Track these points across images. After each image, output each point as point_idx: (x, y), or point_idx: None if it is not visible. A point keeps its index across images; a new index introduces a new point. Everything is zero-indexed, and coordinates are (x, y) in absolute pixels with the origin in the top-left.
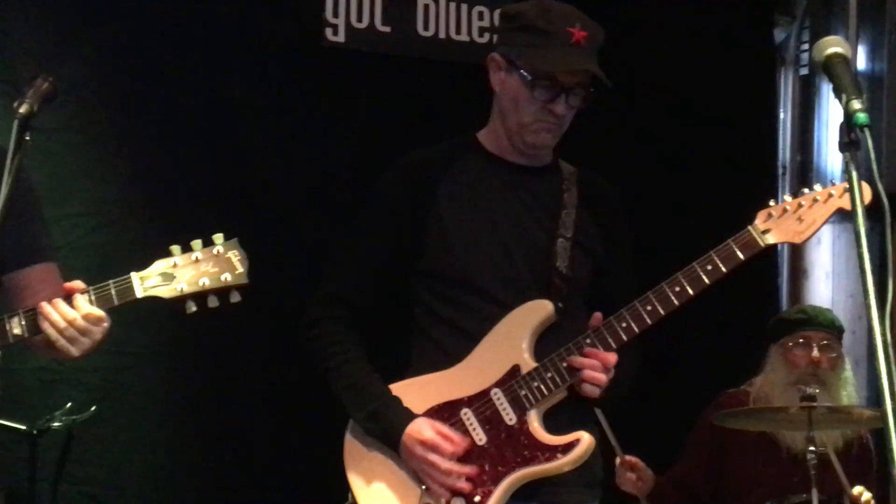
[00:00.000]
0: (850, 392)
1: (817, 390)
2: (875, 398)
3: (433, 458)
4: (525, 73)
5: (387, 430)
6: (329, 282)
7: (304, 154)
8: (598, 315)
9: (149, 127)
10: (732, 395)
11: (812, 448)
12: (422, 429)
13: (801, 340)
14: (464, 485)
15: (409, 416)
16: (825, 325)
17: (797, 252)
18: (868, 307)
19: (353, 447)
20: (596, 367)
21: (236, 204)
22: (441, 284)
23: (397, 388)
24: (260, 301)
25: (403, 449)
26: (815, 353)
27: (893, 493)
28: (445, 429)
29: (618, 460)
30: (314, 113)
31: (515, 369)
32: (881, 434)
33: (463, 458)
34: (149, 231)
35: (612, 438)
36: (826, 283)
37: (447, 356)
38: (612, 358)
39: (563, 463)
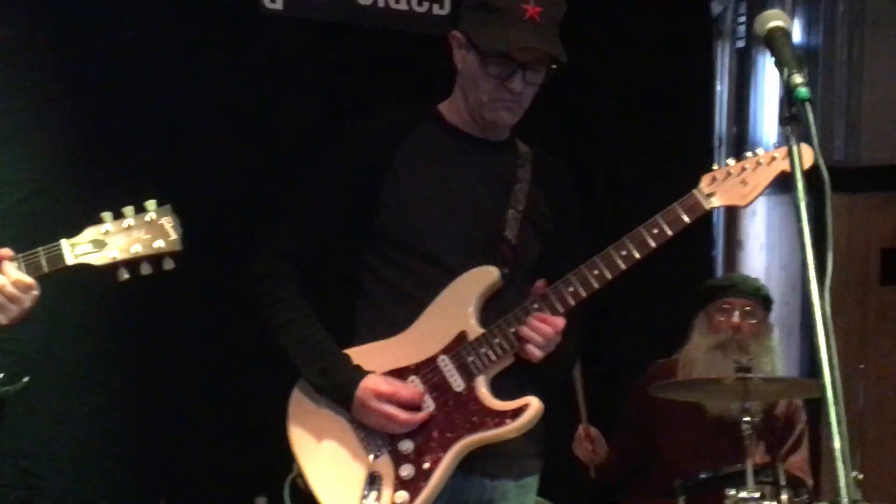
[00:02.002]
0: (771, 360)
1: (751, 360)
2: (810, 369)
3: (390, 409)
4: (478, 52)
5: (339, 385)
6: (279, 237)
7: (242, 121)
8: (541, 282)
9: (82, 95)
10: (661, 366)
11: (747, 418)
12: (378, 382)
13: (724, 306)
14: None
15: (363, 371)
16: (749, 293)
17: (732, 223)
18: (808, 280)
19: (298, 410)
20: (544, 332)
21: (173, 173)
22: (390, 248)
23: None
24: (196, 270)
25: (357, 404)
26: (736, 318)
27: (830, 465)
28: (398, 382)
29: (580, 428)
30: (252, 80)
31: (462, 336)
32: (812, 403)
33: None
34: (81, 200)
35: (582, 405)
36: (760, 254)
37: (393, 323)
38: (561, 322)
39: (512, 428)
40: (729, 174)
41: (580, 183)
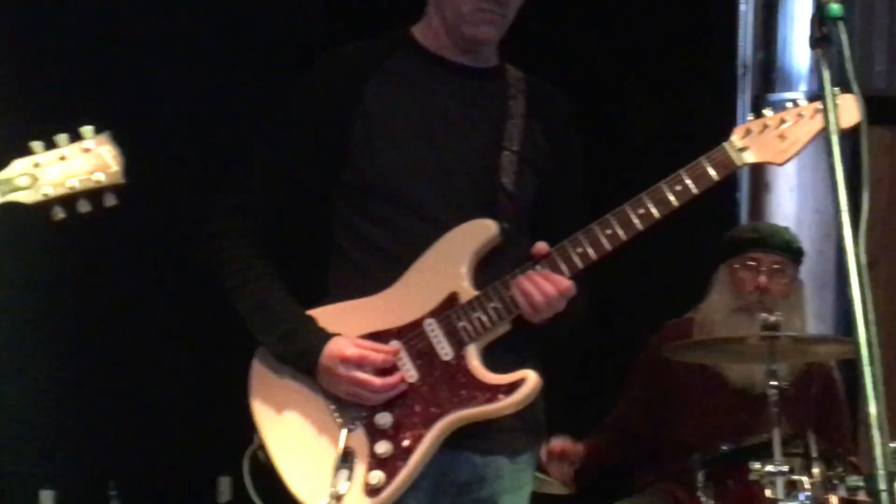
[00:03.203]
0: (801, 320)
1: (781, 317)
2: (846, 327)
3: (362, 375)
4: None
5: (303, 351)
6: (235, 189)
7: (200, 55)
8: (541, 244)
9: (22, 20)
10: (675, 326)
11: (773, 383)
12: (343, 346)
13: (749, 263)
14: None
15: (327, 334)
16: (778, 247)
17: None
18: (840, 224)
19: (262, 377)
20: (546, 290)
21: (121, 112)
22: (367, 199)
23: (314, 315)
24: (147, 225)
25: (324, 372)
26: (763, 278)
27: (866, 432)
28: (369, 342)
29: (543, 451)
30: (210, 10)
31: (453, 297)
32: (847, 365)
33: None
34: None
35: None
36: (790, 197)
37: (372, 283)
38: (566, 283)
39: (505, 405)
40: (766, 127)
41: (588, 118)
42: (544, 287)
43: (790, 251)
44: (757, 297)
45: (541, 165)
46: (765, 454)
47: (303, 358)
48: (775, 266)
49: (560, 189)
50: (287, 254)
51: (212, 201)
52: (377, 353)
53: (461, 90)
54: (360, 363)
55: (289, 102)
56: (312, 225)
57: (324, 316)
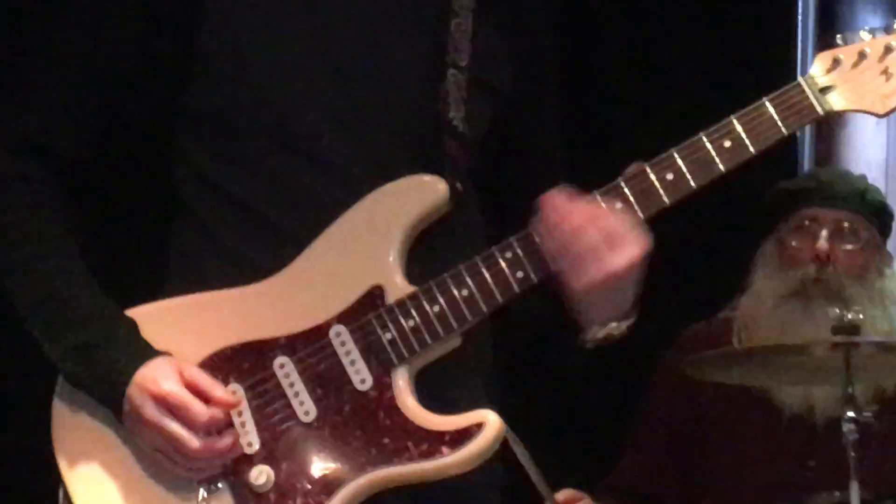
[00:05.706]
0: (887, 314)
1: (860, 315)
2: None
3: (172, 427)
4: None
5: (101, 378)
6: (13, 116)
7: None
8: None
9: None
10: (702, 332)
11: (851, 414)
12: (158, 375)
13: (805, 223)
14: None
15: (143, 353)
16: (844, 198)
17: None
18: None
19: (64, 417)
20: (568, 215)
21: None
22: (232, 138)
23: (146, 315)
24: None
25: (129, 412)
26: (822, 242)
27: None
28: (201, 377)
29: None
30: None
31: (375, 294)
32: None
33: (272, 443)
34: None
35: (534, 474)
36: (877, 132)
37: (243, 268)
38: (585, 211)
39: (450, 462)
40: (862, 56)
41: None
42: (565, 210)
43: (863, 204)
44: (815, 272)
45: (497, 85)
46: None
47: (101, 386)
48: (842, 224)
49: (526, 120)
50: (102, 219)
51: None
52: (203, 399)
53: None
54: (173, 408)
55: None
56: (145, 174)
57: (154, 317)
